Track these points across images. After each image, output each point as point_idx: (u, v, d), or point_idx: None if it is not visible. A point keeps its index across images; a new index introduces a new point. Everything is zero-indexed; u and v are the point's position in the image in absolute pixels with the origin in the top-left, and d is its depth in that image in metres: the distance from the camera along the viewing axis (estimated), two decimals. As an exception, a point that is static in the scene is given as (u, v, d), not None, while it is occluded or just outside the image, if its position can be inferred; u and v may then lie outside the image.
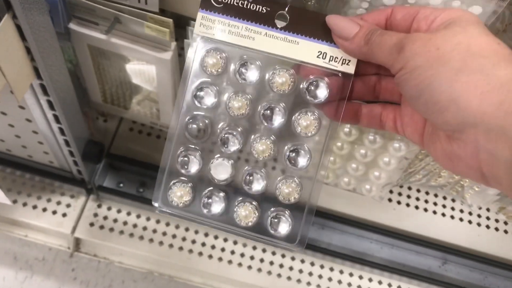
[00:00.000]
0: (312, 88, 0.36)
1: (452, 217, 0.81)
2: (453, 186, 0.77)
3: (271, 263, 0.75)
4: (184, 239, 0.75)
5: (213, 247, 0.75)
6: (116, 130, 0.79)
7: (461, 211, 0.81)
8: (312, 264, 0.77)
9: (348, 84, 0.36)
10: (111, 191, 0.75)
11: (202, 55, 0.36)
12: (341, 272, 0.77)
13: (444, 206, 0.81)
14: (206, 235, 0.76)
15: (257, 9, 0.35)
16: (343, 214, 0.77)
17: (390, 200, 0.81)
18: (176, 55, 0.55)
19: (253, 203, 0.38)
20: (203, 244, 0.75)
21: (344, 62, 0.35)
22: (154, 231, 0.75)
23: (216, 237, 0.76)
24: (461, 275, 0.78)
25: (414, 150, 0.55)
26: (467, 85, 0.28)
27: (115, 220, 0.75)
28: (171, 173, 0.38)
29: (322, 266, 0.77)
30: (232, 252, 0.75)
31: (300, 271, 0.76)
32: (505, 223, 0.81)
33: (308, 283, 0.75)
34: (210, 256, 0.75)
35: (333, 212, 0.76)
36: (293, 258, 0.76)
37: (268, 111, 0.37)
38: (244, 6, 0.35)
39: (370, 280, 0.77)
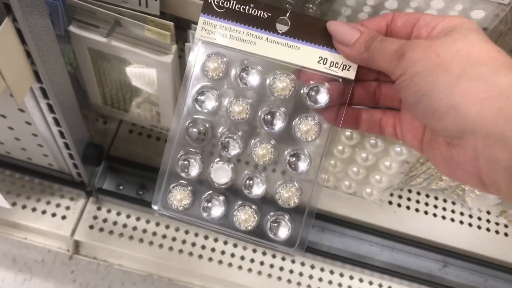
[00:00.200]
0: (313, 93, 0.36)
1: (452, 220, 0.81)
2: (454, 190, 0.77)
3: (271, 265, 0.75)
4: (184, 241, 0.75)
5: (213, 249, 0.75)
6: (115, 132, 0.79)
7: (461, 213, 0.81)
8: (312, 267, 0.76)
9: (348, 89, 0.36)
10: (111, 194, 0.74)
11: (203, 60, 0.36)
12: (341, 275, 0.77)
13: (444, 209, 0.81)
14: (206, 237, 0.76)
15: (258, 14, 0.35)
16: (343, 217, 0.77)
17: (390, 203, 0.81)
18: (177, 58, 0.55)
19: (253, 207, 0.38)
20: (203, 247, 0.75)
21: (344, 68, 0.35)
22: (154, 233, 0.75)
23: (216, 240, 0.76)
24: (461, 278, 0.78)
25: (415, 154, 0.55)
26: (467, 91, 0.28)
27: (115, 223, 0.75)
28: (171, 176, 0.38)
29: (322, 269, 0.77)
30: (232, 255, 0.75)
31: (300, 274, 0.76)
32: (505, 226, 0.81)
33: (308, 286, 0.75)
34: (210, 259, 0.74)
35: (333, 215, 0.76)
36: (293, 261, 0.76)
37: (269, 116, 0.37)
38: (246, 11, 0.35)
39: (370, 283, 0.77)
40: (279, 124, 0.37)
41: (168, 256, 0.74)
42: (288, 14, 0.35)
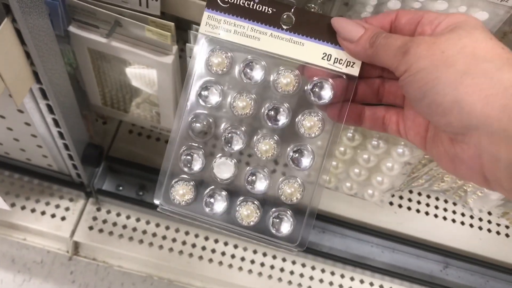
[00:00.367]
0: (317, 89, 0.36)
1: (453, 220, 0.81)
2: (455, 191, 0.77)
3: (272, 267, 0.75)
4: (184, 243, 0.75)
5: (213, 251, 0.75)
6: (115, 133, 0.79)
7: (463, 214, 0.81)
8: (313, 268, 0.76)
9: (352, 86, 0.36)
10: (111, 194, 0.74)
11: (208, 54, 0.36)
12: (342, 276, 0.76)
13: (445, 210, 0.81)
14: (207, 238, 0.76)
15: (263, 10, 0.35)
16: (344, 218, 0.76)
17: (391, 203, 0.80)
18: (177, 58, 0.55)
19: (255, 202, 0.38)
20: (203, 248, 0.75)
21: (348, 64, 0.35)
22: (154, 234, 0.75)
23: (216, 241, 0.75)
24: (462, 279, 0.78)
25: (417, 156, 0.55)
26: (471, 88, 0.28)
27: (115, 224, 0.75)
28: (173, 171, 0.38)
29: (323, 270, 0.76)
30: (233, 256, 0.75)
31: (301, 275, 0.75)
32: (507, 227, 0.81)
33: (309, 288, 0.75)
34: (211, 260, 0.74)
35: (334, 216, 0.76)
36: (294, 262, 0.76)
37: (272, 111, 0.37)
38: (250, 6, 0.35)
39: (371, 284, 0.76)
40: (282, 120, 0.37)
41: (168, 257, 0.73)
42: (292, 10, 0.35)
